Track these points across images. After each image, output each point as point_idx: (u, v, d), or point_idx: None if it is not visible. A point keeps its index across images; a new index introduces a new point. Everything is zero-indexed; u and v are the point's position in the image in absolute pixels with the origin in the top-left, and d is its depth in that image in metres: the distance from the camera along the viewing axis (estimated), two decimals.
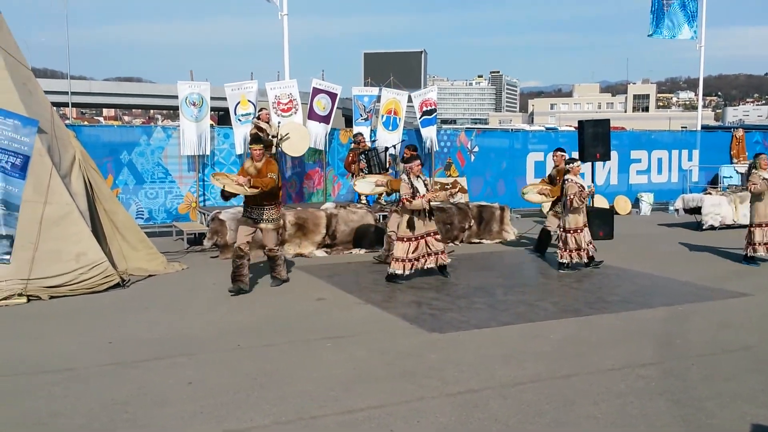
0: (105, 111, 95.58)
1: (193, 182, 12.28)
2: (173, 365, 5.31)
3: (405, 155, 9.61)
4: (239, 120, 12.06)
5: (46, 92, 9.02)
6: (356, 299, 7.56)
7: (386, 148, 11.96)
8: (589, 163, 13.23)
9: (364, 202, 11.61)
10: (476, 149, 14.91)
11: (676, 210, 14.50)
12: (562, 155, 10.20)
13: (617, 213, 14.71)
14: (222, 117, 30.72)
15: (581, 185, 9.06)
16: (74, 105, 48.45)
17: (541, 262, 10.05)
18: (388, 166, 11.88)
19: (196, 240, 11.07)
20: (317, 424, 4.24)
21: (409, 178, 8.22)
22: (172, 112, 75.06)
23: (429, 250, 8.33)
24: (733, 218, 13.43)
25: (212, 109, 12.53)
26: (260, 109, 11.50)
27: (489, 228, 11.94)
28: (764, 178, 9.45)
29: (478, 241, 11.69)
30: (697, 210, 13.69)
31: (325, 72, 13.19)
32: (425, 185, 8.34)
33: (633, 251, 10.65)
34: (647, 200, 16.44)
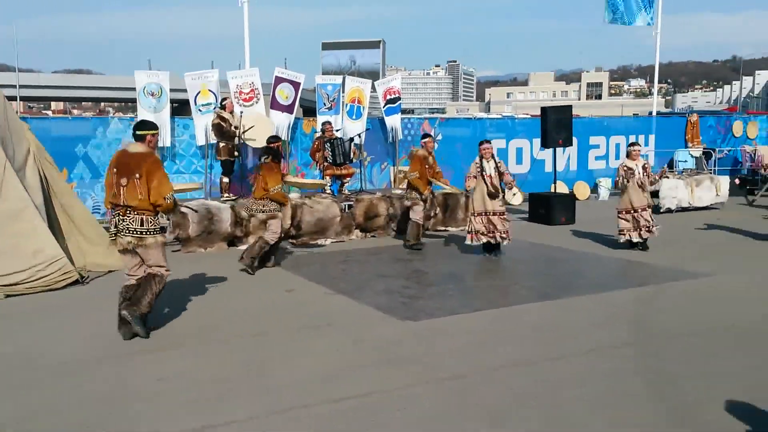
0: (54, 105, 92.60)
1: None
2: (147, 360, 5.14)
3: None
4: (199, 110, 11.76)
5: None
6: (326, 289, 7.46)
7: (351, 139, 11.83)
8: (551, 150, 13.38)
9: (329, 192, 11.48)
10: (440, 137, 14.89)
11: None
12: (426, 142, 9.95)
13: (577, 198, 14.92)
14: (177, 108, 29.99)
15: (627, 167, 9.47)
16: (22, 99, 46.82)
17: (509, 248, 10.08)
18: (352, 156, 11.76)
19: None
20: (306, 414, 4.15)
21: (480, 160, 9.08)
22: (125, 104, 73.07)
23: (492, 227, 8.97)
24: (689, 201, 13.76)
25: (170, 100, 12.19)
26: (224, 99, 11.23)
27: (454, 216, 11.95)
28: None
29: (443, 228, 11.69)
30: (654, 194, 13.96)
31: (287, 61, 12.93)
32: (496, 168, 9.04)
33: (596, 236, 10.79)
34: (605, 185, 16.70)
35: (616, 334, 5.70)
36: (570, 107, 13.29)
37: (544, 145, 13.11)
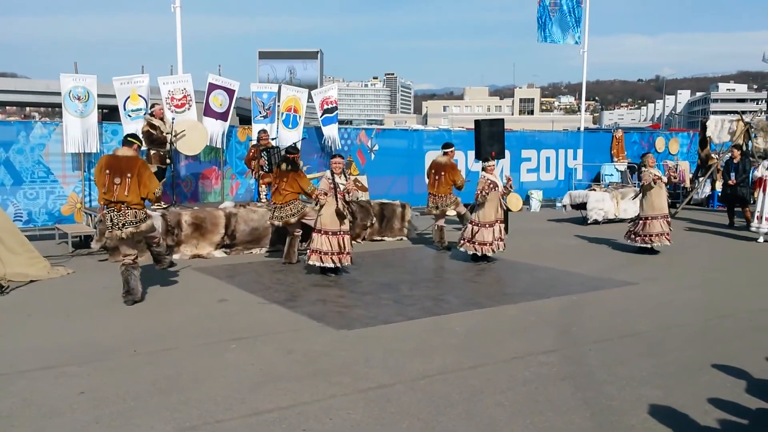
0: None
1: (78, 181, 11.51)
2: (62, 375, 4.93)
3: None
4: (129, 116, 11.42)
5: None
6: (259, 299, 7.36)
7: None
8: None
9: (264, 201, 11.34)
10: (376, 147, 14.99)
11: (564, 206, 15.26)
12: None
13: (510, 210, 15.27)
14: (107, 115, 29.04)
15: (491, 182, 9.37)
16: None
17: (443, 257, 10.23)
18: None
19: (82, 243, 10.40)
20: (223, 428, 4.07)
21: (332, 175, 8.38)
22: (51, 110, 70.14)
23: (337, 248, 8.35)
24: (614, 213, 14.31)
25: (98, 106, 11.80)
26: (153, 105, 10.96)
27: (390, 225, 12.02)
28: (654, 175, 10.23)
29: (380, 238, 11.74)
30: (582, 206, 14.47)
31: (221, 69, 12.73)
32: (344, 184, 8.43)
33: (527, 246, 11.08)
34: (537, 197, 17.19)
35: (540, 341, 5.84)
36: (502, 120, 13.57)
37: (478, 156, 13.33)
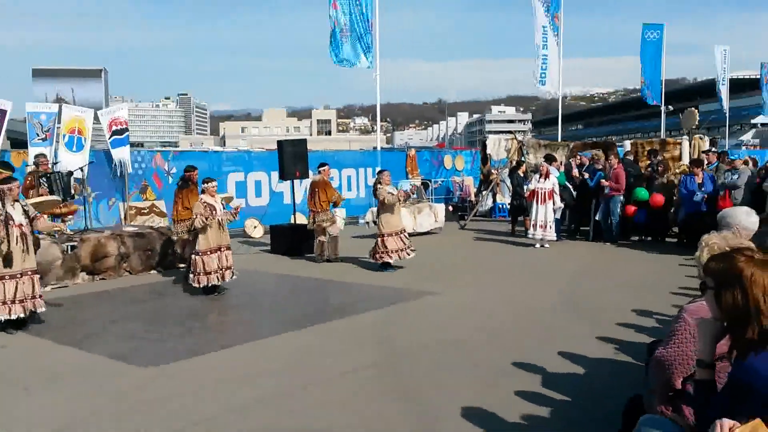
0: None
1: None
2: None
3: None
4: None
5: None
6: (48, 342, 6.55)
7: (70, 172, 10.73)
8: (289, 182, 13.64)
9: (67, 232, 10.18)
10: (174, 171, 14.25)
11: (367, 222, 15.75)
12: None
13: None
14: None
15: (207, 203, 8.46)
16: None
17: (257, 281, 9.97)
18: (74, 192, 10.68)
19: None
20: None
21: (2, 205, 6.71)
22: None
23: (25, 293, 6.91)
24: (413, 227, 15.04)
25: None
26: None
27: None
28: (389, 192, 10.36)
29: (185, 266, 11.11)
30: None
31: None
32: (23, 212, 6.93)
33: (339, 264, 11.23)
34: (341, 215, 17.52)
35: (361, 355, 5.92)
36: (305, 141, 13.73)
37: (282, 177, 13.32)
